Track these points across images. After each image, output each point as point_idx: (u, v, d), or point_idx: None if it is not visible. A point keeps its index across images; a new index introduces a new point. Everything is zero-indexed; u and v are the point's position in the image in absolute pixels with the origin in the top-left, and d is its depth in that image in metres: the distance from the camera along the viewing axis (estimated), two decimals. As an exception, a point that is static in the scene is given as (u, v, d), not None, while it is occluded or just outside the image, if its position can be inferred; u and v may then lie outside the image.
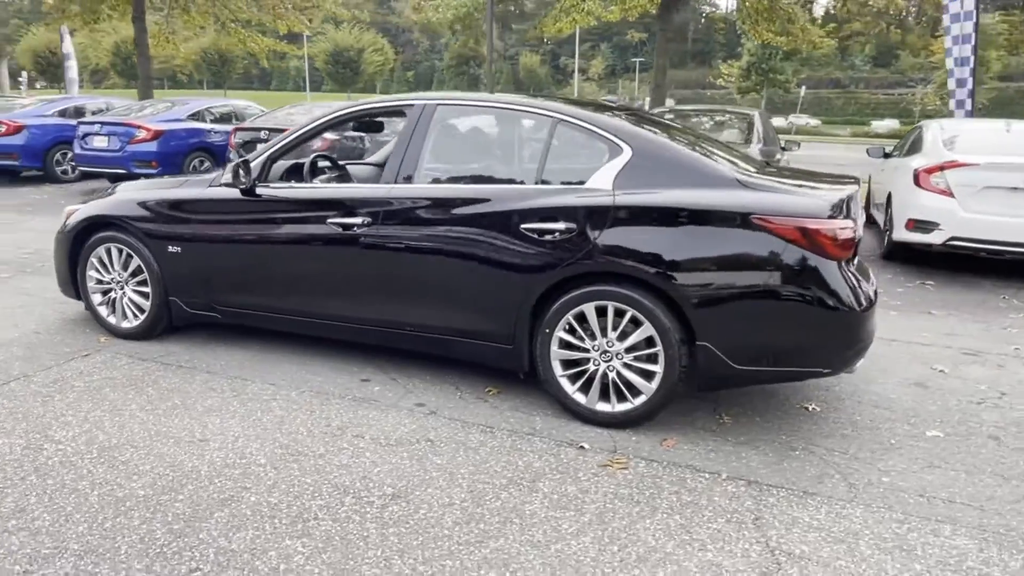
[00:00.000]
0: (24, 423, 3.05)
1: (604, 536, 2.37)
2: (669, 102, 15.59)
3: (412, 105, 3.49)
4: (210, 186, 3.71)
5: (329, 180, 3.99)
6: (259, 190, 3.63)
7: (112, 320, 4.11)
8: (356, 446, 2.94)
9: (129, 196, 3.97)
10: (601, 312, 3.04)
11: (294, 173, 3.85)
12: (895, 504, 2.61)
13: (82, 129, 10.18)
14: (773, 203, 2.87)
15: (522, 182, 3.31)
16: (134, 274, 3.99)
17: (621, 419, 3.12)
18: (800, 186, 3.09)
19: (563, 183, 3.17)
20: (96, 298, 4.13)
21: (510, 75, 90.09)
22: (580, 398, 3.16)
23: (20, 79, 47.67)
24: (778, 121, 28.65)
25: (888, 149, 8.68)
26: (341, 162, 4.33)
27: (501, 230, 3.13)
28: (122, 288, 4.04)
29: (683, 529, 2.42)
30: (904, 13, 75.00)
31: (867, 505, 2.60)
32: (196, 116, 10.53)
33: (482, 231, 3.17)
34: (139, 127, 9.77)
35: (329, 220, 3.43)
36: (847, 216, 2.96)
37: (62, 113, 11.41)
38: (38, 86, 53.94)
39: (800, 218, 2.82)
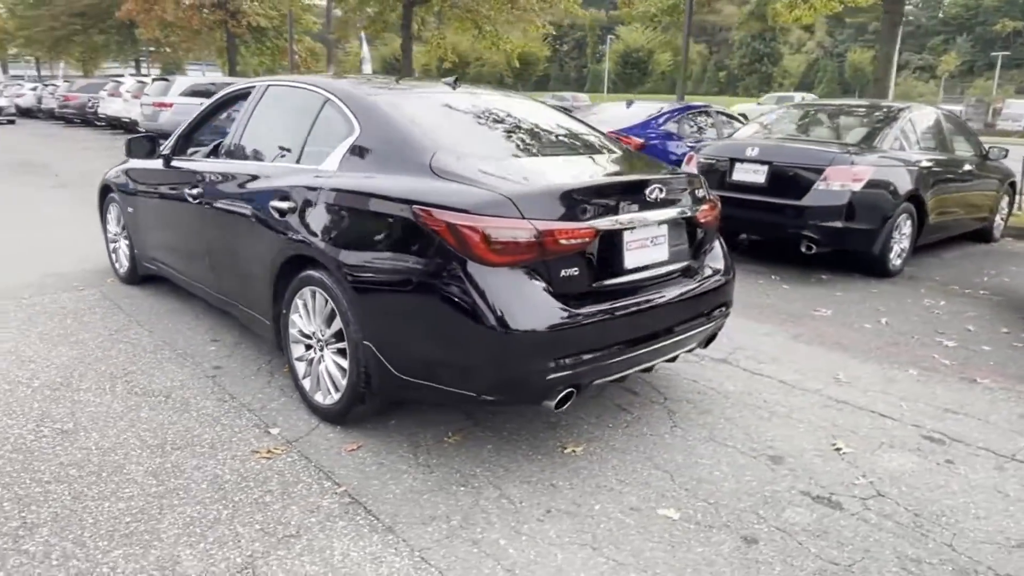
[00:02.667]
0: (-33, 329, 4.03)
1: (136, 508, 2.38)
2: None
3: (254, 87, 3.71)
4: (148, 158, 4.37)
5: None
6: (174, 162, 4.18)
7: (116, 266, 5.08)
8: (112, 391, 3.29)
9: (122, 165, 4.85)
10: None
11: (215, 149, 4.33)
12: (458, 566, 2.13)
13: None
14: (437, 194, 2.49)
15: (294, 160, 3.30)
16: (124, 228, 4.88)
17: (325, 413, 2.99)
18: (528, 176, 2.60)
19: (314, 162, 3.11)
20: (112, 247, 5.14)
21: (835, 74, 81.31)
22: (307, 384, 3.09)
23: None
24: None
25: None
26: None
27: (260, 208, 3.20)
28: (118, 240, 4.97)
29: (207, 526, 2.31)
30: None
31: (426, 560, 2.16)
32: None
33: (251, 207, 3.27)
34: (617, 138, 10.59)
35: (185, 191, 3.83)
36: (562, 216, 2.43)
37: None
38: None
39: (453, 211, 2.40)
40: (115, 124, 19.16)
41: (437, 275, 2.44)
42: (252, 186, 3.31)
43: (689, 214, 2.99)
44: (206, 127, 4.25)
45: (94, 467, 2.63)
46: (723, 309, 3.20)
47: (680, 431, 3.07)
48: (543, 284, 2.46)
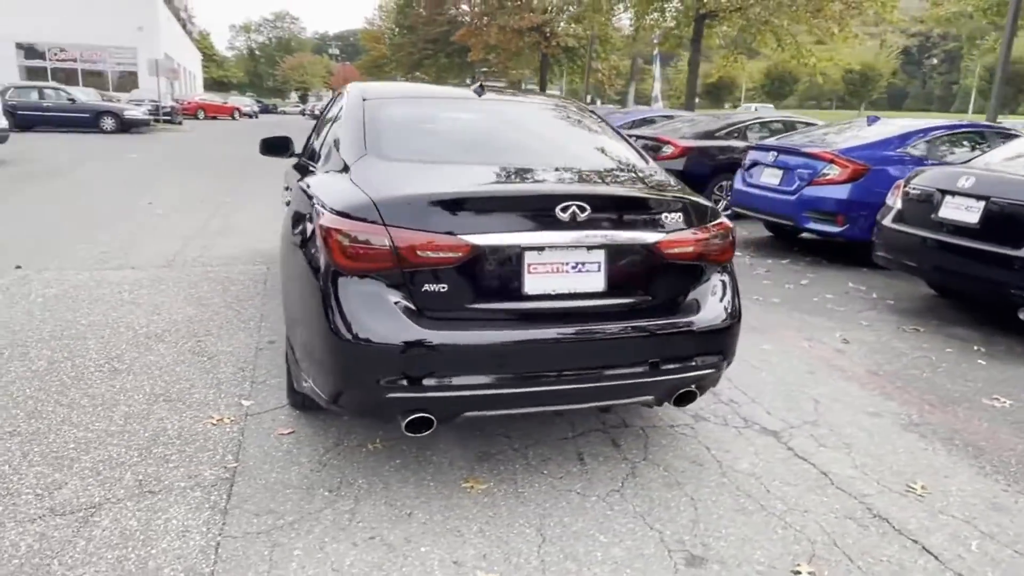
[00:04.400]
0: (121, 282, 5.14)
1: (86, 439, 2.83)
2: None
3: (340, 93, 4.03)
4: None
5: None
6: (300, 161, 4.77)
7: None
8: (179, 347, 3.91)
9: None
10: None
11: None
12: (234, 562, 2.12)
13: (752, 156, 7.66)
14: (331, 194, 2.50)
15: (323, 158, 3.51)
16: (290, 217, 5.71)
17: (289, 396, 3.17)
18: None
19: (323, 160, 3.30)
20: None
21: None
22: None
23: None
24: None
25: None
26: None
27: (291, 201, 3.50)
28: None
29: (111, 466, 2.64)
30: None
31: (217, 548, 2.20)
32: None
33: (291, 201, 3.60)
34: (832, 160, 6.63)
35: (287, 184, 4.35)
36: (429, 226, 2.26)
37: (631, 124, 11.81)
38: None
39: (329, 213, 2.38)
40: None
41: (312, 273, 2.45)
42: (295, 181, 3.66)
43: (647, 242, 2.49)
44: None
45: (100, 402, 3.19)
46: (703, 361, 2.59)
47: (614, 499, 2.58)
48: (399, 297, 2.29)
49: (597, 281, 2.46)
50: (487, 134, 3.16)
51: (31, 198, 8.99)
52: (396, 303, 2.29)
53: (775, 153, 7.34)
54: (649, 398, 2.60)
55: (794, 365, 4.05)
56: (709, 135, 9.58)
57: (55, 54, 33.15)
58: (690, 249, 2.56)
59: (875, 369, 4.05)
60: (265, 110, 54.12)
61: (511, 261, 2.36)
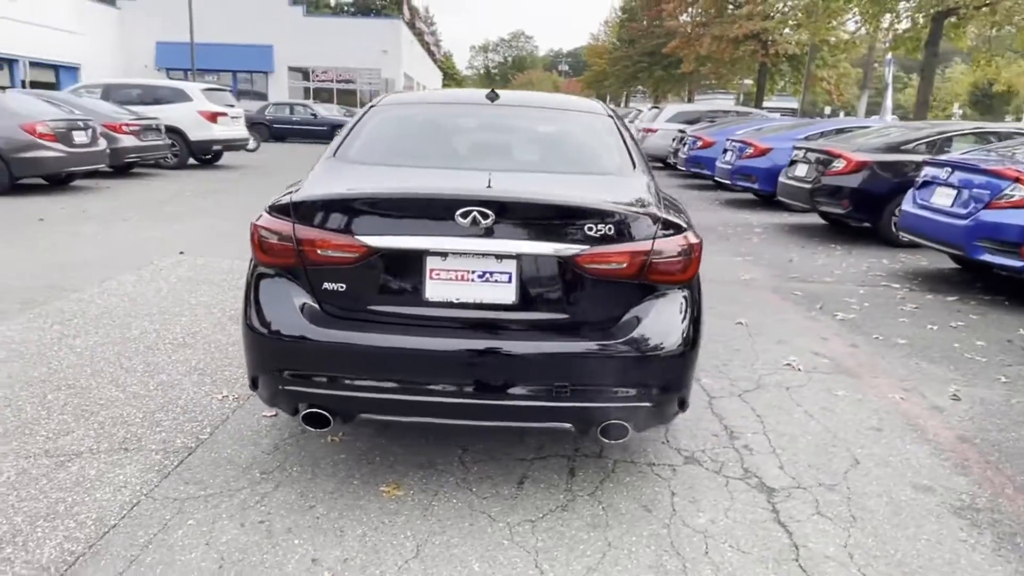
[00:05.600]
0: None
1: (111, 399, 3.29)
2: None
3: None
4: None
5: None
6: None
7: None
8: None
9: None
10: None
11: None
12: (140, 520, 2.34)
13: (927, 172, 6.48)
14: (277, 195, 2.61)
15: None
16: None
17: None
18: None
19: None
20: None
21: None
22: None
23: (955, 111, 50.32)
24: None
25: None
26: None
27: None
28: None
29: (114, 423, 3.05)
30: None
31: (132, 508, 2.43)
32: None
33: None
34: (1018, 178, 5.38)
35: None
36: (330, 225, 2.31)
37: (820, 135, 10.62)
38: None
39: (263, 211, 2.51)
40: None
41: (249, 267, 2.61)
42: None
43: (565, 254, 2.27)
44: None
45: (150, 369, 3.67)
46: (633, 392, 2.29)
47: (522, 530, 2.38)
48: (303, 294, 2.36)
49: (507, 293, 2.30)
50: (468, 139, 3.11)
51: (239, 193, 10.56)
52: (298, 299, 2.37)
53: (950, 169, 6.18)
54: (566, 425, 2.37)
55: (861, 418, 3.39)
56: (894, 148, 8.31)
57: (316, 75, 38.39)
58: (622, 265, 2.29)
59: (971, 435, 3.25)
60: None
61: (412, 265, 2.31)
